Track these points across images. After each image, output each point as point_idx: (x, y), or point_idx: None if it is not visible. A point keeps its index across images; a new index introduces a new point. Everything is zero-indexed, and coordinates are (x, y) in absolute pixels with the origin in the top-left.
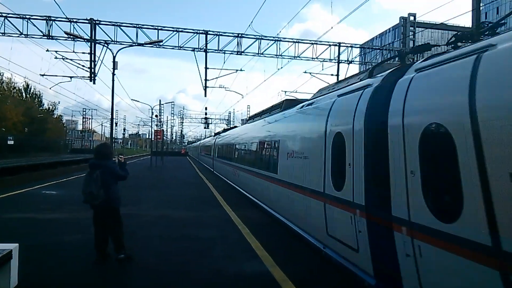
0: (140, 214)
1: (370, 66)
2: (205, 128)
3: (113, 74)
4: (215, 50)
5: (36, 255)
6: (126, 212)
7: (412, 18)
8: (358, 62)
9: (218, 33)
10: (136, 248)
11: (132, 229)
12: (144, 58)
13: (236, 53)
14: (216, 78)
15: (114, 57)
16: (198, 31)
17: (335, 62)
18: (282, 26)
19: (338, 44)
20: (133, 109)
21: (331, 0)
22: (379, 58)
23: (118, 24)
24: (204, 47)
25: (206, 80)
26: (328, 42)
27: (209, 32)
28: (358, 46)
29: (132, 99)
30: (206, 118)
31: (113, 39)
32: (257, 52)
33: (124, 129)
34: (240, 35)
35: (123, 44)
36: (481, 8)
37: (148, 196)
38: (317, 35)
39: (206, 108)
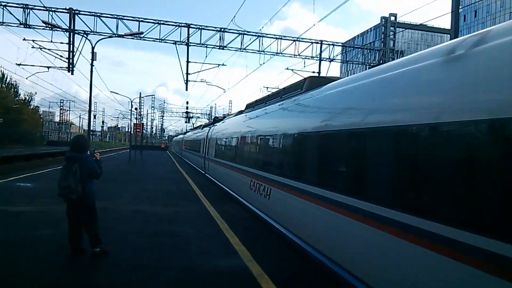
0: (117, 208)
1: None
2: (186, 122)
3: (92, 65)
4: (197, 44)
5: (5, 249)
6: (103, 207)
7: (393, 18)
8: (339, 60)
9: (201, 27)
10: (112, 244)
11: (108, 224)
12: (123, 51)
13: (218, 47)
14: (198, 72)
15: (93, 48)
16: (180, 24)
17: (316, 60)
18: (264, 22)
19: (320, 42)
20: (112, 102)
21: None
22: (360, 57)
23: (98, 14)
24: (186, 41)
25: (187, 74)
26: (310, 39)
27: (191, 26)
28: (340, 44)
29: (111, 91)
30: (187, 113)
31: (92, 30)
32: (239, 47)
33: (103, 122)
34: (222, 29)
35: (103, 35)
36: (460, 10)
37: (126, 191)
38: (297, 33)
39: (187, 102)
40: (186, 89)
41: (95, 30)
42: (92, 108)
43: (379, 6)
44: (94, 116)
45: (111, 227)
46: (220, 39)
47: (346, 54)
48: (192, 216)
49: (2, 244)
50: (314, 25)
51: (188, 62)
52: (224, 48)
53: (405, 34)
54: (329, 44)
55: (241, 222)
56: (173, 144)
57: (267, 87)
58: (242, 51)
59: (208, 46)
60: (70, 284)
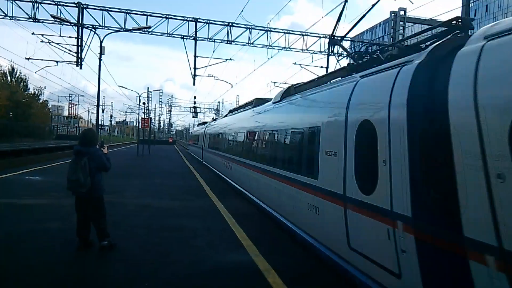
0: (125, 202)
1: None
2: (193, 117)
3: (100, 60)
4: (205, 38)
5: (13, 241)
6: (110, 201)
7: (402, 12)
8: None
9: (208, 21)
10: (119, 238)
11: (116, 219)
12: (131, 45)
13: (226, 42)
14: (205, 66)
15: (101, 42)
16: (188, 19)
17: (325, 55)
18: (271, 17)
19: (328, 36)
20: (120, 96)
21: None
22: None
23: (106, 8)
24: (194, 35)
25: (195, 68)
26: (318, 34)
27: (199, 20)
28: (349, 39)
29: (119, 86)
30: (194, 107)
31: (100, 24)
32: (247, 42)
33: (111, 116)
34: (230, 24)
35: (111, 30)
36: (470, 5)
37: (134, 185)
38: (304, 28)
39: (194, 97)
40: (194, 84)
41: (103, 25)
42: (101, 103)
43: (385, 0)
44: (103, 111)
45: (119, 221)
46: (227, 33)
47: (355, 49)
48: (199, 211)
49: (11, 236)
50: (322, 17)
51: (195, 56)
52: (232, 42)
53: (415, 29)
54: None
55: (249, 217)
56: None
57: (275, 82)
58: (249, 46)
59: (215, 40)
60: (77, 277)
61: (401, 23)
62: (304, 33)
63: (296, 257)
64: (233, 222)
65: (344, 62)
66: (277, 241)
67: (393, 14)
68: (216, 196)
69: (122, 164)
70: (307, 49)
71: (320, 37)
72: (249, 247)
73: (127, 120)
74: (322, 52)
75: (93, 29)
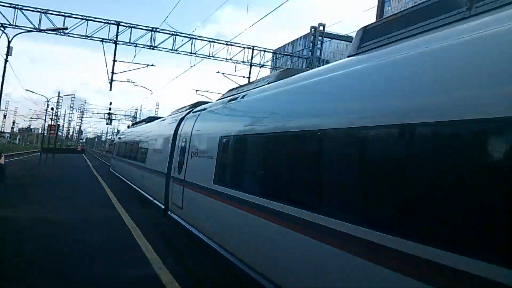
0: (18, 216)
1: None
2: (107, 124)
3: (6, 61)
4: (126, 42)
5: None
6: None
7: (321, 28)
8: (269, 66)
9: (131, 25)
10: (7, 255)
11: (4, 235)
12: (45, 46)
13: (148, 47)
14: (125, 71)
15: (9, 42)
16: (109, 21)
17: (247, 65)
18: (197, 25)
19: (252, 48)
20: (26, 101)
21: (246, 4)
22: (289, 64)
23: (19, 6)
24: (115, 39)
25: (112, 73)
26: (242, 44)
27: (121, 24)
28: (271, 51)
29: (26, 90)
30: (109, 114)
31: (11, 23)
32: (171, 48)
33: (14, 122)
34: (154, 29)
35: (23, 29)
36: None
37: (31, 197)
38: (229, 37)
39: (110, 103)
40: (110, 89)
41: (14, 23)
42: (3, 107)
43: (307, 13)
44: (4, 116)
45: (9, 237)
46: (151, 38)
47: (276, 60)
48: (103, 222)
49: None
50: (246, 29)
51: (114, 61)
52: (155, 48)
53: (332, 44)
54: (260, 50)
55: (156, 227)
56: (121, 154)
57: (197, 90)
58: (173, 52)
59: (137, 45)
60: None
61: (320, 37)
62: (228, 43)
63: (202, 265)
64: (138, 233)
65: (266, 72)
66: (184, 251)
67: (313, 29)
68: (122, 206)
69: (21, 175)
70: (231, 59)
71: (244, 48)
72: (153, 259)
73: (32, 127)
74: (245, 62)
75: (2, 28)
